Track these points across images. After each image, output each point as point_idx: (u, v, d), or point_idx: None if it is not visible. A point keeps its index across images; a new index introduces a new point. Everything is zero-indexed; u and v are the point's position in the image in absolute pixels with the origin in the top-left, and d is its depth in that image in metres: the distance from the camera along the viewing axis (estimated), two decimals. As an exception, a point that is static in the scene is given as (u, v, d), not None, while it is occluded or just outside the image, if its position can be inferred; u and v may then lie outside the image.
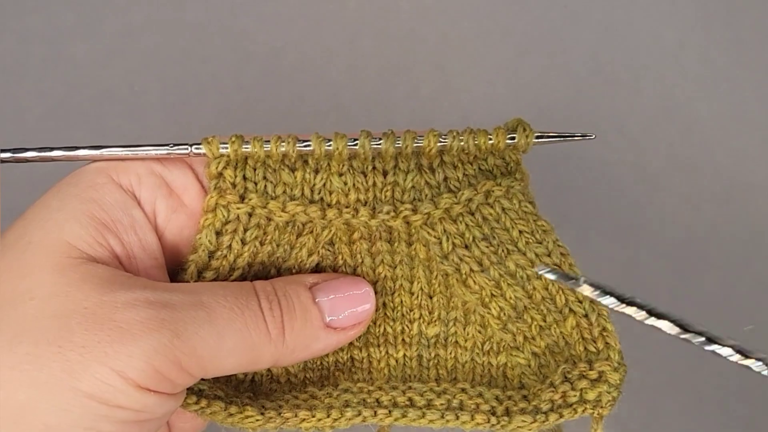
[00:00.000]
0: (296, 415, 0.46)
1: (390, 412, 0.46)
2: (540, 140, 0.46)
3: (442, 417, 0.46)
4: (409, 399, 0.47)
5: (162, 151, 0.45)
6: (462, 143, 0.45)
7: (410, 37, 0.80)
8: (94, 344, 0.37)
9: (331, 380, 0.49)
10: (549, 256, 0.46)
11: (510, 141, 0.46)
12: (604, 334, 0.46)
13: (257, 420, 0.45)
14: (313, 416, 0.46)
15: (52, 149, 0.45)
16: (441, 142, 0.45)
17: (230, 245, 0.46)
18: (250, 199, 0.46)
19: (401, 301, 0.48)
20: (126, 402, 0.38)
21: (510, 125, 0.47)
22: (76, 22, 0.80)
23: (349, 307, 0.45)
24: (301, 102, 0.79)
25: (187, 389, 0.44)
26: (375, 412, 0.46)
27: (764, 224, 0.76)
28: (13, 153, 0.45)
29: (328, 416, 0.46)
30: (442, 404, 0.46)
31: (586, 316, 0.46)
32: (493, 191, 0.46)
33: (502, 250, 0.47)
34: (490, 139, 0.46)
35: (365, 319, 0.45)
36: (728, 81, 0.79)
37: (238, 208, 0.46)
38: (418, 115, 0.78)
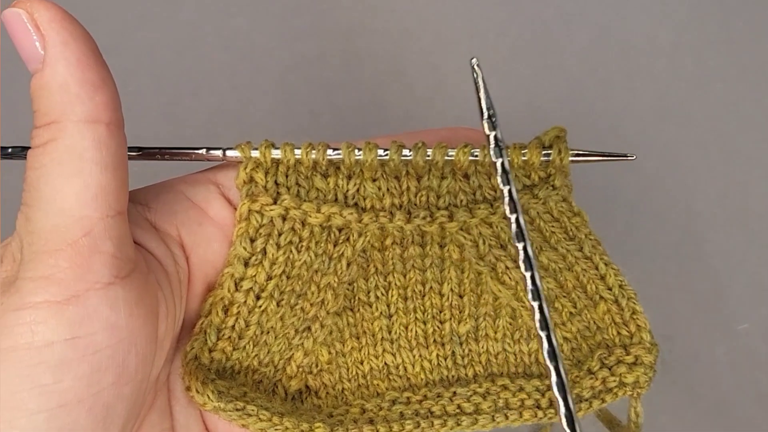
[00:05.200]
0: (361, 430, 0.47)
1: (445, 421, 0.47)
2: (577, 159, 0.46)
3: (493, 420, 0.47)
4: (459, 406, 0.48)
5: (199, 152, 0.45)
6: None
7: (404, 37, 0.80)
8: None
9: (371, 389, 0.49)
10: (581, 250, 0.48)
11: (545, 159, 0.46)
12: (635, 316, 0.47)
13: None
14: (377, 430, 0.47)
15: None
16: (472, 157, 0.45)
17: (264, 249, 0.45)
18: (284, 200, 0.45)
19: (431, 303, 0.48)
20: (46, 329, 0.35)
21: (549, 137, 0.46)
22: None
23: (28, 38, 0.37)
24: (294, 102, 0.78)
25: (243, 404, 0.44)
26: (432, 423, 0.47)
27: (759, 223, 0.76)
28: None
29: (390, 430, 0.47)
30: (489, 407, 0.48)
31: (616, 301, 0.47)
32: (530, 203, 0.47)
33: (536, 247, 0.47)
34: (524, 155, 0.45)
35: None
36: (722, 81, 0.80)
37: (271, 210, 0.45)
38: (413, 115, 0.78)
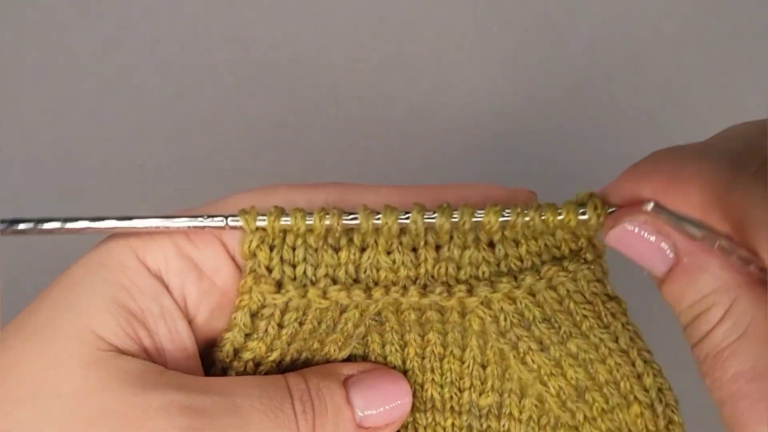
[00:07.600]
0: None
1: None
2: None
3: None
4: None
5: (196, 223, 0.40)
6: (527, 219, 0.40)
7: (408, 30, 0.79)
8: None
9: None
10: (616, 342, 0.42)
11: (582, 218, 0.40)
12: (671, 427, 0.42)
13: None
14: None
15: (72, 220, 0.40)
16: (503, 217, 0.40)
17: (266, 329, 0.42)
18: (287, 291, 0.41)
19: (450, 368, 0.45)
20: None
21: (580, 199, 0.40)
22: (73, 14, 0.79)
23: (383, 403, 0.41)
24: (298, 94, 0.78)
25: None
26: None
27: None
28: (11, 224, 0.40)
29: None
30: None
31: (651, 406, 0.42)
32: (558, 276, 0.42)
33: (564, 332, 0.42)
34: (560, 214, 0.40)
35: (400, 416, 0.42)
36: (727, 74, 0.80)
37: (274, 299, 0.41)
38: (417, 109, 0.78)
